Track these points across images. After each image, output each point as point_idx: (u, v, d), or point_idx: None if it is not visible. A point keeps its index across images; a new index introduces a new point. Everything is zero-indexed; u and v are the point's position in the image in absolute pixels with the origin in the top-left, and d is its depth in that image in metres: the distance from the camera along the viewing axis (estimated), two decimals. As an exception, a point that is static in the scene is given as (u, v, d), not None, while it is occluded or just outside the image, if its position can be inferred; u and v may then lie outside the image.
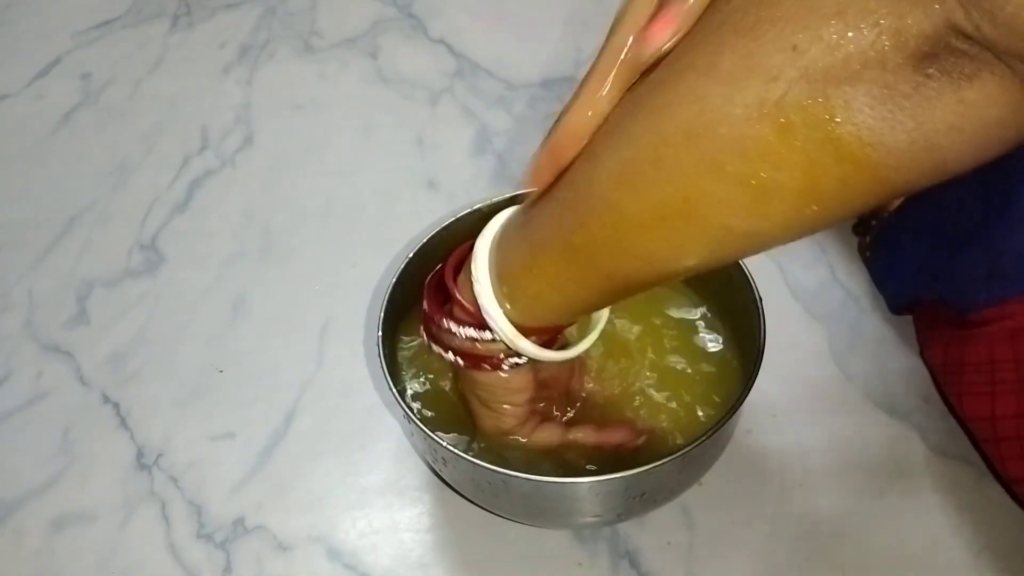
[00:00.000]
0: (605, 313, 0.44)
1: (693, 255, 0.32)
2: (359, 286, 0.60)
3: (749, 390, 0.42)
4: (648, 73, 0.31)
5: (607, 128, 0.32)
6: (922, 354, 0.53)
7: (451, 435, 0.47)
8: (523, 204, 0.38)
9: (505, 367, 0.41)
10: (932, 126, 0.26)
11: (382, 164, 0.69)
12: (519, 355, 0.40)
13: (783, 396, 0.53)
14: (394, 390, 0.43)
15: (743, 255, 0.32)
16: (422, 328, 0.43)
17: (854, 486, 0.50)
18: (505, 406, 0.43)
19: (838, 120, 0.26)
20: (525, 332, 0.39)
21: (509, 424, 0.44)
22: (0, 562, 0.49)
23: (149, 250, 0.64)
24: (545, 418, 0.45)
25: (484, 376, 0.42)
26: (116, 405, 0.56)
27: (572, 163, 0.34)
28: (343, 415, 0.55)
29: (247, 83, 0.75)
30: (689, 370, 0.49)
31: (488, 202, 0.49)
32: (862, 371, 0.54)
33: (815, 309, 0.57)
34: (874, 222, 0.56)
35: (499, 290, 0.38)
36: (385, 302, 0.46)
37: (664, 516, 0.49)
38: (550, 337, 0.40)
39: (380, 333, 0.45)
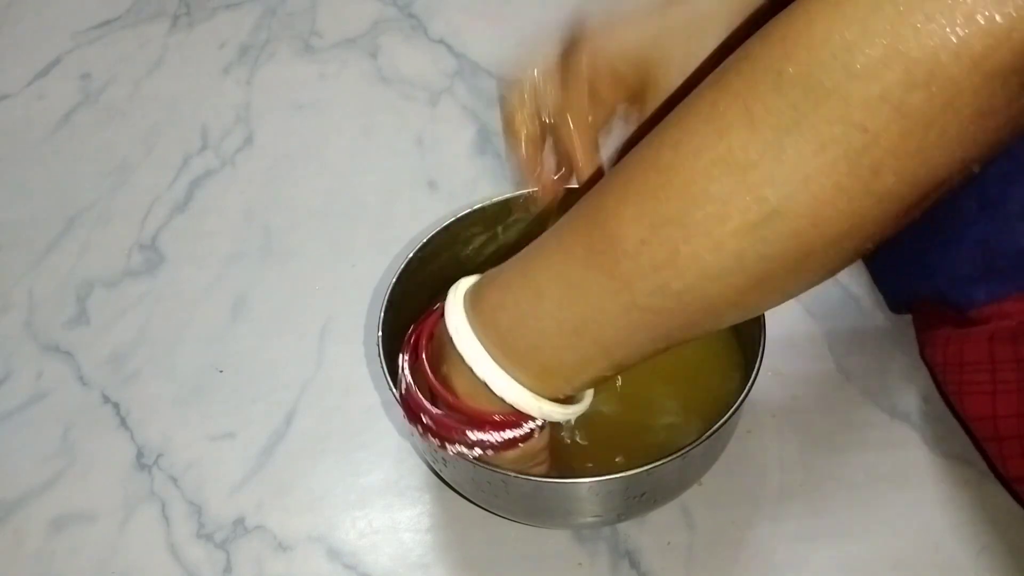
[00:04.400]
0: None
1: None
2: (359, 286, 0.60)
3: (749, 390, 0.42)
4: None
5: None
6: (922, 353, 0.53)
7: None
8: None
9: (535, 436, 0.38)
10: None
11: (382, 164, 0.69)
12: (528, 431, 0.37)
13: (783, 396, 0.53)
14: (394, 390, 0.43)
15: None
16: (432, 438, 0.38)
17: (854, 486, 0.50)
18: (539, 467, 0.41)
19: None
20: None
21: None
22: (0, 562, 0.49)
23: (149, 250, 0.64)
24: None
25: (516, 452, 0.38)
26: (116, 405, 0.56)
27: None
28: (343, 415, 0.55)
29: (247, 83, 0.75)
30: (689, 370, 0.49)
31: (488, 202, 0.49)
32: (862, 371, 0.54)
33: (815, 309, 0.57)
34: (873, 220, 0.56)
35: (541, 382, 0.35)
36: (385, 302, 0.46)
37: (664, 516, 0.49)
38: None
39: (380, 333, 0.45)
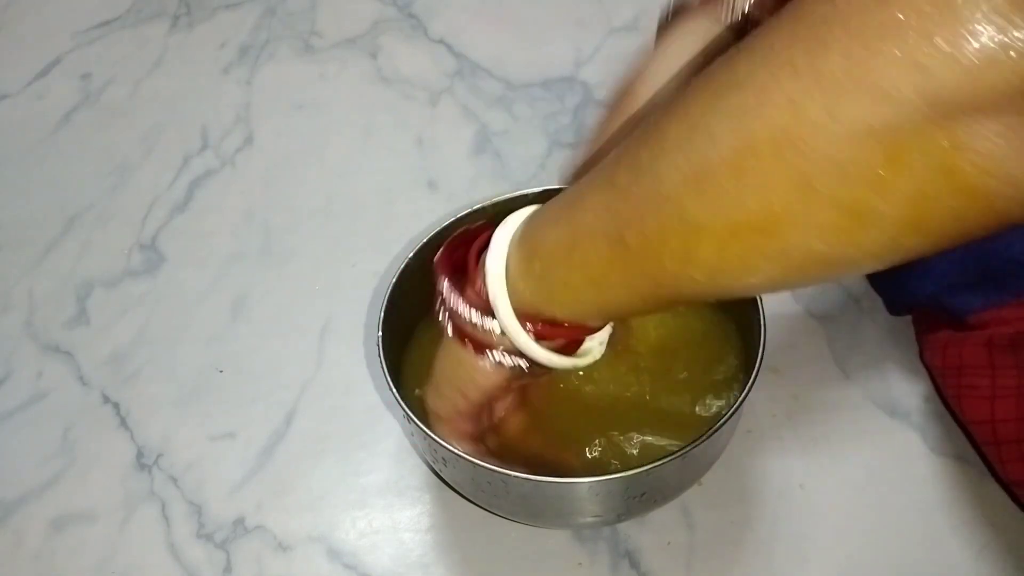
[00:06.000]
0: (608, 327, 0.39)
1: (763, 275, 0.28)
2: (359, 286, 0.61)
3: (749, 390, 0.42)
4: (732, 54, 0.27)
5: (681, 111, 0.28)
6: (921, 355, 0.53)
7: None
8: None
9: (490, 356, 0.37)
10: None
11: (382, 164, 0.69)
12: (513, 356, 0.37)
13: (783, 396, 0.53)
14: (394, 390, 0.43)
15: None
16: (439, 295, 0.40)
17: (854, 486, 0.50)
18: (457, 395, 0.40)
19: (960, 150, 0.22)
20: (542, 333, 0.36)
21: (446, 412, 0.41)
22: (0, 562, 0.49)
23: (149, 250, 0.64)
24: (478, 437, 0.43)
25: (463, 353, 0.38)
26: (116, 405, 0.56)
27: (635, 141, 0.30)
28: (343, 415, 0.55)
29: (247, 83, 0.75)
30: (689, 370, 0.49)
31: (488, 202, 0.49)
32: (862, 371, 0.54)
33: (815, 309, 0.57)
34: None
35: (528, 267, 0.35)
36: (385, 302, 0.46)
37: (664, 516, 0.49)
38: (566, 342, 0.37)
39: (380, 333, 0.45)
